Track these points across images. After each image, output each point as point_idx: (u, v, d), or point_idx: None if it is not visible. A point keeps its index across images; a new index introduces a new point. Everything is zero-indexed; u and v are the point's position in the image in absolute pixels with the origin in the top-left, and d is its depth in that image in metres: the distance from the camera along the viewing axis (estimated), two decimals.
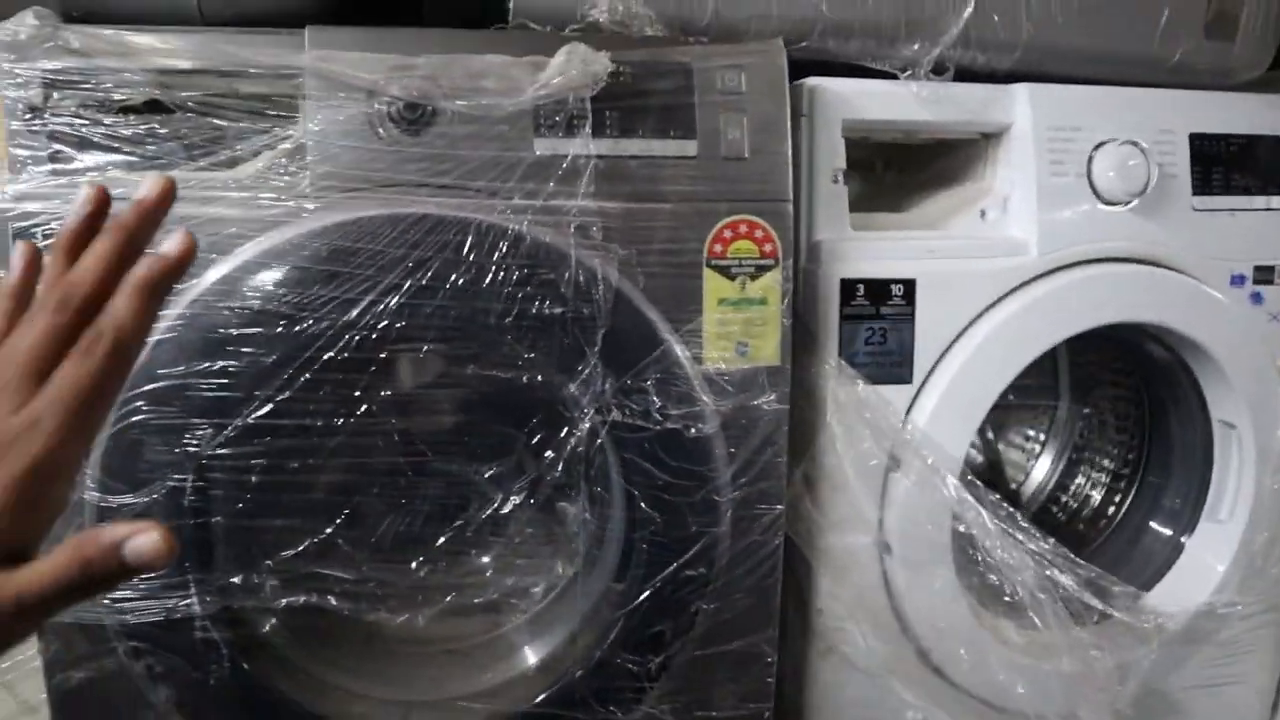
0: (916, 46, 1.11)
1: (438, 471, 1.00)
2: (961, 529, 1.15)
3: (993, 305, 1.15)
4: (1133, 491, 1.41)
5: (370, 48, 0.94)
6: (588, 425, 0.97)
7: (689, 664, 1.06)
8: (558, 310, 0.95)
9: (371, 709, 1.02)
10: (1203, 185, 1.23)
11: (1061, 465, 1.52)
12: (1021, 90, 1.17)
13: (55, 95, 0.89)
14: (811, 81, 1.11)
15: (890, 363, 1.13)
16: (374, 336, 0.92)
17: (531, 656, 1.07)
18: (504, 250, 0.94)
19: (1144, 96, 1.20)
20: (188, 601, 0.94)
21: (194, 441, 0.91)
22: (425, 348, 0.94)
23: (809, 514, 1.12)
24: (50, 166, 0.91)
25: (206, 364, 0.90)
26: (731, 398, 1.02)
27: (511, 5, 1.01)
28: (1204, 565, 1.30)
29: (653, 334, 0.99)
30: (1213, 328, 1.22)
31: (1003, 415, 1.58)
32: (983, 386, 1.14)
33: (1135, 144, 1.17)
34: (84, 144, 0.91)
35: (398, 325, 0.92)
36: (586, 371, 0.96)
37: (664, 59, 1.00)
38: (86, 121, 0.91)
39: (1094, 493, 1.47)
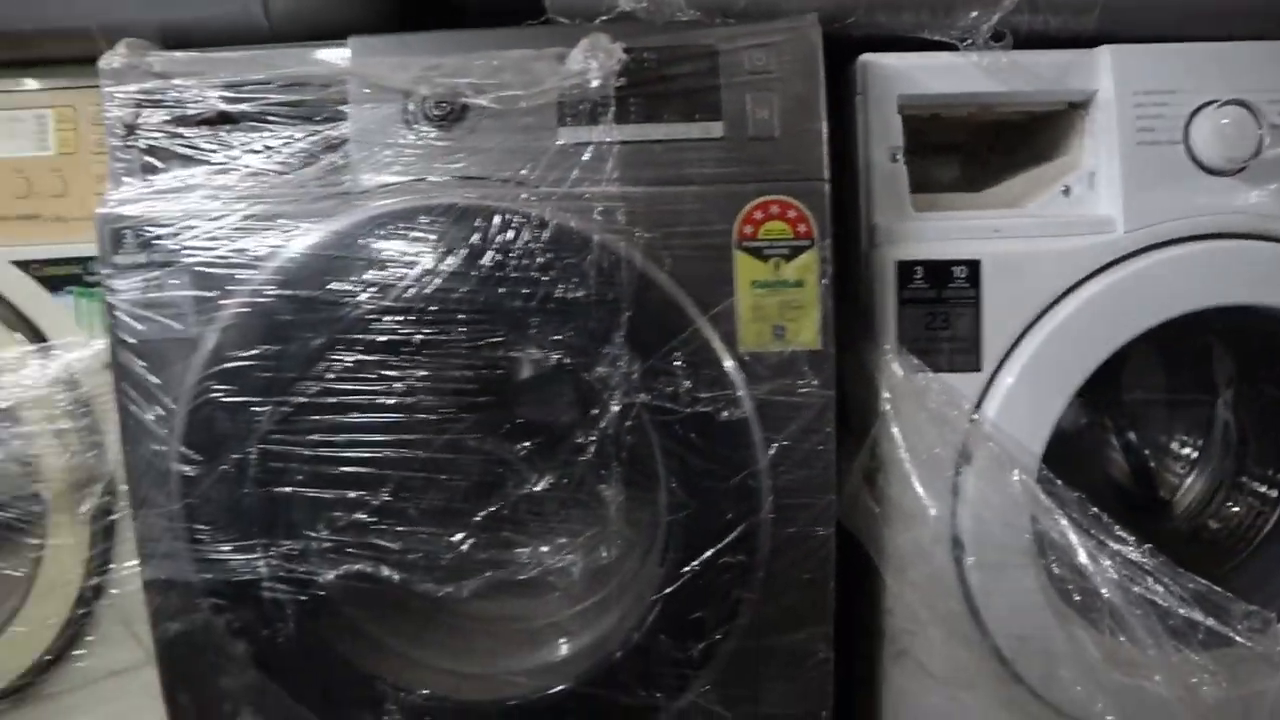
0: (974, 14, 1.04)
1: (475, 449, 1.03)
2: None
3: (1072, 288, 1.04)
4: None
5: (407, 52, 1.00)
6: (617, 408, 0.97)
7: (735, 655, 1.02)
8: (581, 294, 0.96)
9: (426, 676, 1.05)
10: None
11: (1219, 473, 1.36)
12: (1103, 54, 1.06)
13: (144, 114, 1.00)
14: (865, 58, 1.06)
15: (955, 349, 1.05)
16: (411, 319, 0.97)
17: (575, 636, 1.07)
18: (529, 236, 0.96)
19: (1252, 51, 1.05)
20: (255, 563, 1.01)
21: (255, 418, 0.99)
22: (458, 330, 0.97)
23: (868, 508, 1.06)
24: (142, 178, 1.02)
25: (265, 347, 0.98)
26: (768, 382, 0.98)
27: (547, 2, 1.04)
28: None
29: (680, 316, 0.97)
30: None
31: (1155, 416, 1.43)
32: (1060, 376, 1.04)
33: (1242, 104, 1.04)
34: (167, 155, 1.02)
35: (432, 309, 0.97)
36: (612, 354, 0.96)
37: (689, 43, 0.98)
38: (168, 135, 1.02)
39: (1242, 505, 1.29)
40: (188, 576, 1.02)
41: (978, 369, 1.05)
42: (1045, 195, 1.10)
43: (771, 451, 0.98)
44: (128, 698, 1.14)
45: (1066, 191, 1.09)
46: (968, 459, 1.05)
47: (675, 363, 0.96)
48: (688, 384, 0.97)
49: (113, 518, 1.12)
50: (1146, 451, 1.40)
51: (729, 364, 0.97)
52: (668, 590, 0.99)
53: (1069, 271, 1.04)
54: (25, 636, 1.14)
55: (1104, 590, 1.02)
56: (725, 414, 0.97)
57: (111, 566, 1.13)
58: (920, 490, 1.04)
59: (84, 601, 1.13)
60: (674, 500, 0.99)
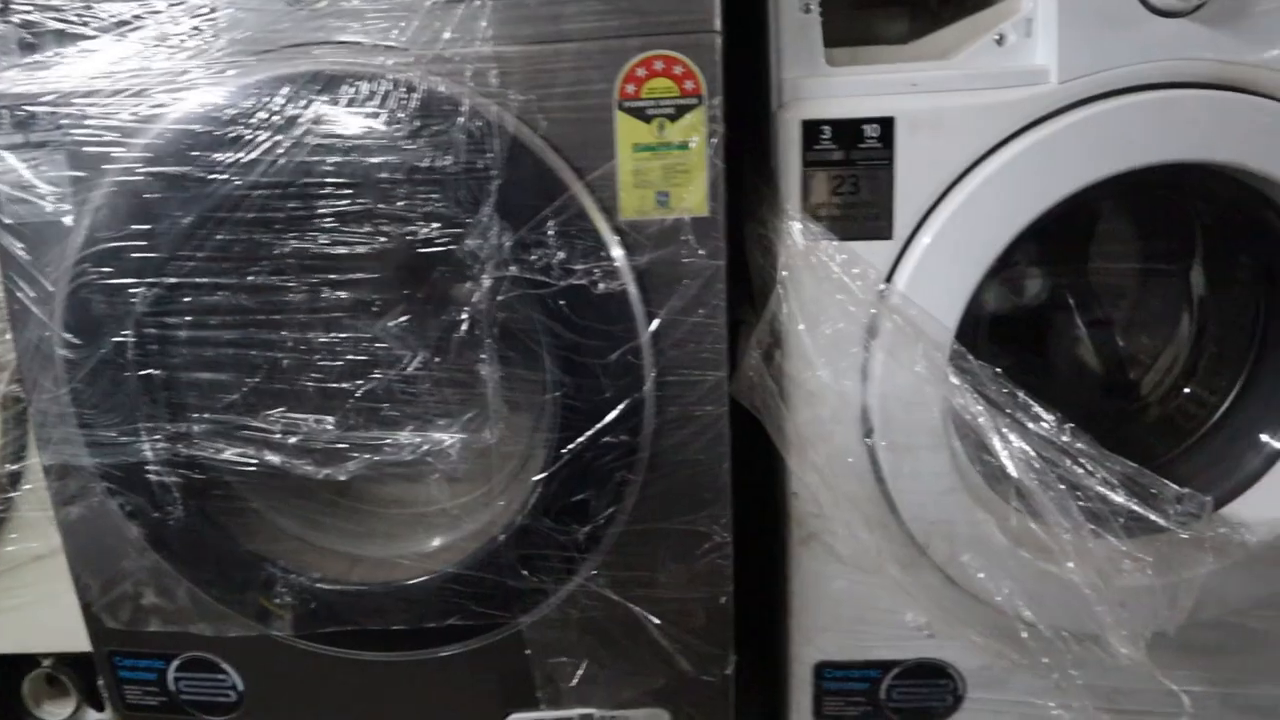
0: None
1: (348, 328, 1.02)
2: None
3: (996, 147, 0.98)
4: (1238, 385, 1.18)
5: None
6: (488, 282, 0.95)
7: (624, 538, 1.02)
8: (449, 162, 0.94)
9: (320, 559, 1.08)
10: None
11: (1186, 351, 1.29)
12: None
13: None
14: None
15: (865, 216, 1.00)
16: (278, 194, 0.96)
17: (466, 520, 1.08)
18: (396, 103, 0.93)
19: None
20: (140, 447, 1.04)
21: (130, 299, 1.00)
22: (326, 204, 0.96)
23: (768, 385, 1.03)
24: (19, 54, 0.99)
25: (134, 226, 0.98)
26: (649, 252, 0.96)
27: None
28: None
29: (554, 183, 0.94)
30: None
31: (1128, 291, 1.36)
32: (978, 244, 0.98)
33: None
34: (42, 30, 0.99)
35: (299, 182, 0.95)
36: (481, 225, 0.94)
37: None
38: (39, 7, 1.00)
39: (1194, 385, 1.24)
40: (81, 461, 1.05)
41: (889, 236, 1.01)
42: (977, 45, 1.02)
43: (654, 325, 0.97)
44: (50, 581, 1.17)
45: (1000, 40, 1.01)
46: (876, 334, 1.02)
47: (548, 233, 0.94)
48: (561, 255, 0.94)
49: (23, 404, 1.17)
50: (1115, 329, 1.33)
51: (606, 233, 0.95)
52: (548, 472, 0.99)
53: (993, 128, 0.98)
54: None
55: (1013, 472, 1.00)
56: (602, 286, 0.95)
57: (26, 453, 1.18)
58: (820, 367, 1.01)
59: (2, 489, 1.19)
60: (553, 378, 0.98)
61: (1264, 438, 1.12)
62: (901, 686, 1.15)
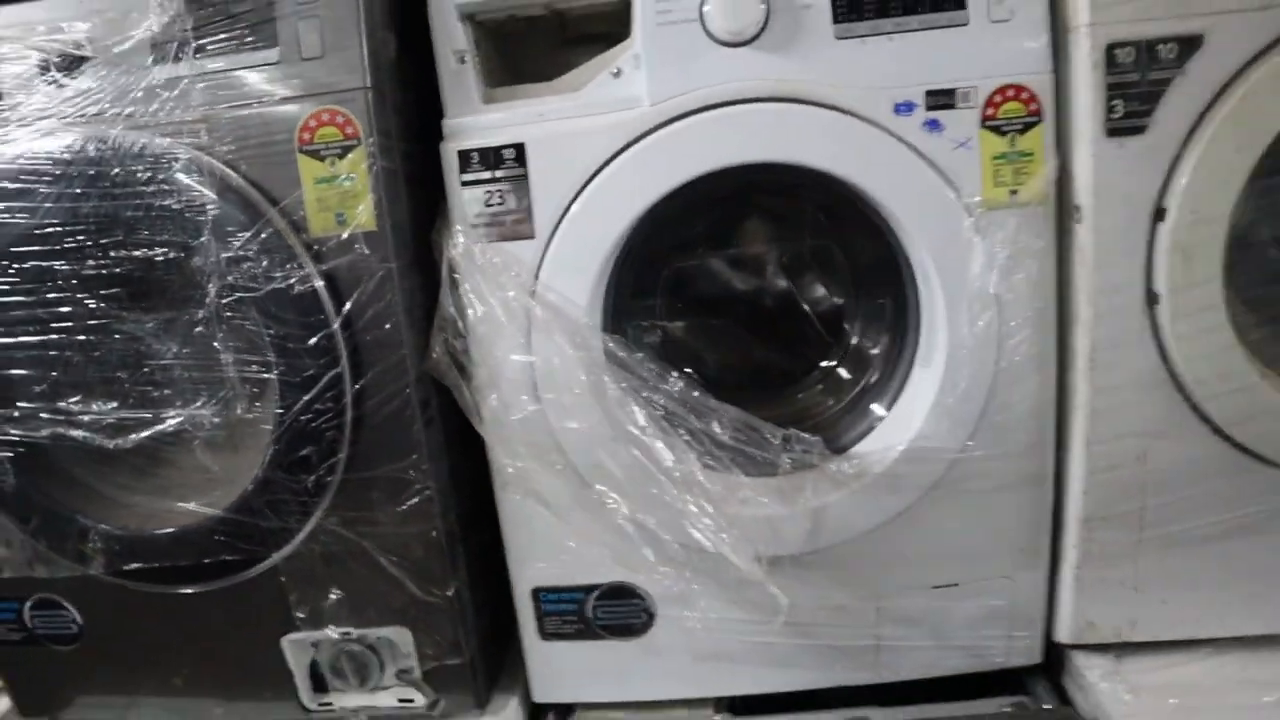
0: None
1: (120, 330, 1.33)
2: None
3: (609, 160, 1.24)
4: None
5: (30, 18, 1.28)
6: (213, 289, 1.24)
7: (344, 485, 1.31)
8: (173, 201, 1.23)
9: (125, 514, 1.39)
10: (849, 12, 1.20)
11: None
12: None
13: None
14: None
15: (511, 222, 1.27)
16: (57, 230, 1.26)
17: (236, 478, 1.36)
18: (132, 158, 1.23)
19: None
20: None
21: None
22: (91, 237, 1.26)
23: (448, 363, 1.29)
24: None
25: None
26: (333, 260, 1.24)
27: None
28: (905, 417, 1.31)
29: (255, 212, 1.23)
30: (865, 162, 1.21)
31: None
32: (598, 238, 1.26)
33: None
34: None
35: (69, 222, 1.26)
36: (203, 247, 1.23)
37: None
38: None
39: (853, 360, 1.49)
40: None
41: (532, 237, 1.27)
42: (598, 79, 1.28)
43: (341, 317, 1.25)
44: None
45: (618, 73, 1.27)
46: (530, 317, 1.27)
47: (253, 250, 1.23)
48: (265, 265, 1.23)
49: None
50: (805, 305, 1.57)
51: (298, 247, 1.24)
52: (277, 433, 1.28)
53: (603, 146, 1.25)
54: None
55: (640, 421, 1.25)
56: (298, 288, 1.24)
57: None
58: (489, 346, 1.28)
59: None
60: (272, 360, 1.27)
61: (873, 406, 1.39)
62: (604, 606, 1.42)
